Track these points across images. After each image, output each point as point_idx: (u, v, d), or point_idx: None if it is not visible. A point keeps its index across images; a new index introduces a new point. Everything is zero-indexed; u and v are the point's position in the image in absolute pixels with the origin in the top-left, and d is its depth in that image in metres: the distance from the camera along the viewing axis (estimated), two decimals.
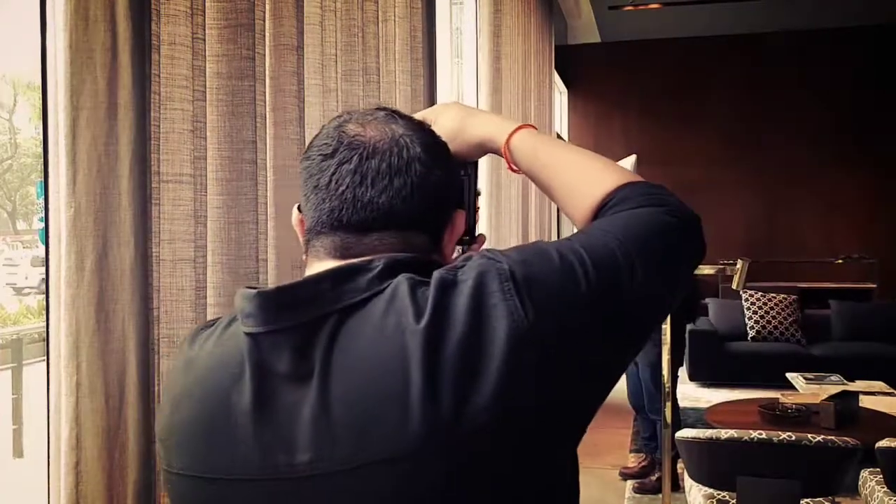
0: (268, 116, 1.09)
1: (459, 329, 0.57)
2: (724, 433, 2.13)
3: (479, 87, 2.71)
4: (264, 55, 1.09)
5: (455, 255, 0.74)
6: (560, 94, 6.67)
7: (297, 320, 0.60)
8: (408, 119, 0.70)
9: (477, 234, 0.81)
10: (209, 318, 1.02)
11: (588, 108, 6.80)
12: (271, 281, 1.10)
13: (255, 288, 0.64)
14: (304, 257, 0.70)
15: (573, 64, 6.51)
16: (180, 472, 0.64)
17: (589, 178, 0.75)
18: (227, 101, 1.03)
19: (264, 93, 1.09)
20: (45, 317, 0.87)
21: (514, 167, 0.80)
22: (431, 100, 1.79)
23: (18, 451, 4.48)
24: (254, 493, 0.60)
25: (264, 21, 1.09)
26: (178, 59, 0.96)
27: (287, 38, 1.11)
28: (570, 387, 0.60)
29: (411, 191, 0.65)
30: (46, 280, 0.86)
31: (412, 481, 0.56)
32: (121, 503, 0.84)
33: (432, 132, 0.71)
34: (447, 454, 0.56)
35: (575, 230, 0.73)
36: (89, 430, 0.82)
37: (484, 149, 0.81)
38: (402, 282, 0.61)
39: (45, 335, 0.86)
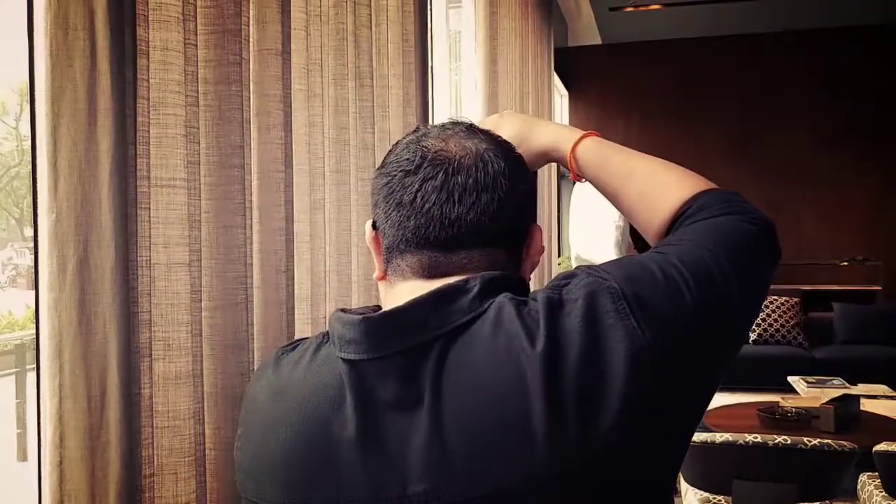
0: (252, 121, 1.10)
1: (577, 351, 0.56)
2: (720, 437, 2.12)
3: (476, 90, 2.71)
4: (249, 60, 1.10)
5: None
6: (561, 97, 6.67)
7: (402, 346, 0.59)
8: (486, 132, 0.68)
9: None
10: (204, 321, 1.03)
11: (589, 109, 6.80)
12: (257, 284, 1.11)
13: (350, 311, 0.62)
14: (376, 275, 0.68)
15: (574, 66, 6.51)
16: None
17: (664, 186, 0.74)
18: (215, 107, 1.04)
19: (249, 98, 1.10)
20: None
21: (579, 176, 0.79)
22: (424, 104, 1.79)
23: (23, 455, 4.50)
24: None
25: (249, 26, 1.10)
26: (171, 64, 0.97)
27: (271, 43, 1.12)
28: (680, 405, 0.59)
29: (498, 207, 0.64)
30: (36, 284, 0.87)
31: None
32: (104, 502, 0.85)
33: (511, 146, 0.69)
34: (572, 481, 0.55)
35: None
36: (72, 430, 0.83)
37: (547, 158, 0.80)
38: (504, 302, 0.60)
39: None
